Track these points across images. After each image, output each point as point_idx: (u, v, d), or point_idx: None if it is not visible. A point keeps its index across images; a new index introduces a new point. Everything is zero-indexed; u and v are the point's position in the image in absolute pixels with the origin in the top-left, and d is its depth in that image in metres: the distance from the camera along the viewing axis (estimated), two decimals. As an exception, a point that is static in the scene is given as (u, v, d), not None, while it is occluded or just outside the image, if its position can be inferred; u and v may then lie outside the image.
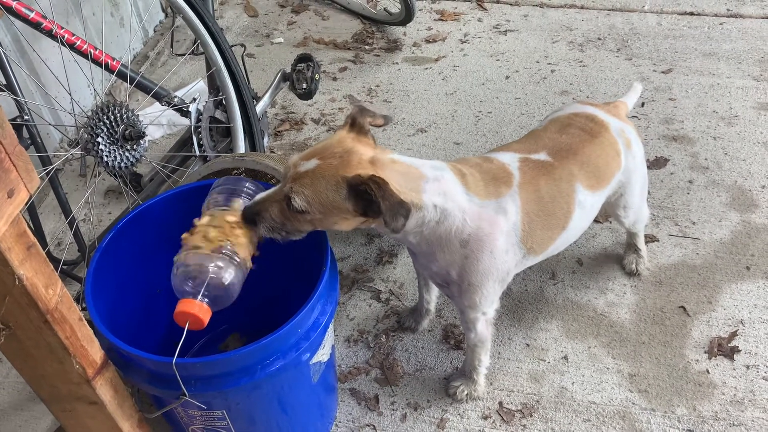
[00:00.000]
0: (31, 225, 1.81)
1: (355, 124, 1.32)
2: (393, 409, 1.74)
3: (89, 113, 1.73)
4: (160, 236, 1.54)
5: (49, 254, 1.84)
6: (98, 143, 1.71)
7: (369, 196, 1.20)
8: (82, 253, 1.86)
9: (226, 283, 1.29)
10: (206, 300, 1.26)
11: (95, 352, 1.20)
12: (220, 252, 1.30)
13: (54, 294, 1.06)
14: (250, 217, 1.30)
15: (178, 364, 1.20)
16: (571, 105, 1.72)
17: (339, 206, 1.25)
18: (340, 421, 1.72)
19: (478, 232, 1.37)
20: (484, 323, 1.58)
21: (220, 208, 1.38)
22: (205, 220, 1.33)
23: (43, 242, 1.85)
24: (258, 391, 1.34)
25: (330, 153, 1.26)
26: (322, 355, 1.43)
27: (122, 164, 1.78)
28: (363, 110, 1.35)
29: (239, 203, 1.39)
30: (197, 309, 1.24)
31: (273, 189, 1.31)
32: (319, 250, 1.43)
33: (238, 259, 1.32)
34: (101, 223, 2.28)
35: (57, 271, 1.79)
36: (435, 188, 1.32)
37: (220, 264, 1.29)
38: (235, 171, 1.65)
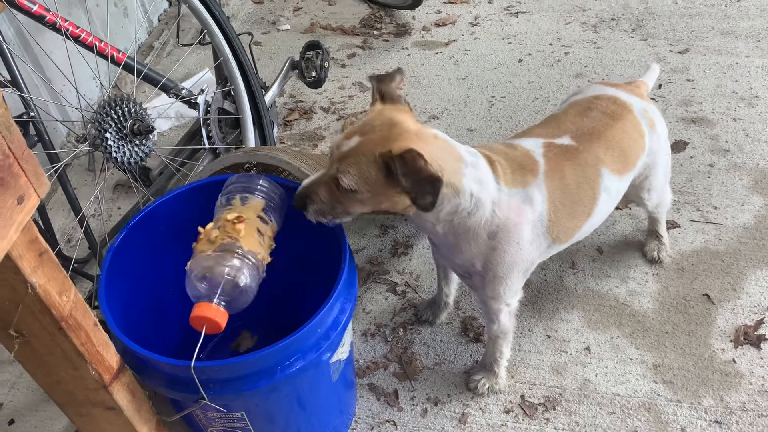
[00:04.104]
0: (41, 223, 1.77)
1: (385, 95, 1.27)
2: (413, 404, 1.71)
3: (96, 108, 1.68)
4: (172, 234, 1.50)
5: (59, 253, 1.80)
6: (106, 139, 1.67)
7: (394, 170, 1.15)
8: (93, 251, 1.82)
9: (241, 285, 1.25)
10: (222, 303, 1.23)
11: (111, 356, 1.17)
12: (231, 252, 1.26)
13: (68, 300, 1.03)
14: (300, 201, 1.27)
15: (197, 368, 1.17)
16: (590, 86, 1.67)
17: (384, 184, 1.20)
18: (359, 417, 1.69)
19: (506, 223, 1.33)
20: (507, 314, 1.54)
21: (228, 208, 1.35)
22: (209, 225, 1.31)
23: (54, 241, 1.81)
24: (278, 392, 1.31)
25: (370, 128, 1.22)
26: (342, 353, 1.40)
27: (131, 160, 1.74)
28: (382, 78, 1.31)
29: (251, 201, 1.36)
30: (213, 313, 1.20)
31: (319, 173, 1.27)
32: (334, 245, 1.39)
33: (252, 259, 1.28)
34: (111, 218, 2.24)
35: (68, 270, 1.77)
36: (473, 174, 1.27)
37: (236, 265, 1.26)
38: (247, 165, 1.61)
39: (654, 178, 1.67)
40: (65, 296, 1.02)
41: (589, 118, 1.53)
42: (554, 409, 1.68)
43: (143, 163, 1.82)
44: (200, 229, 1.33)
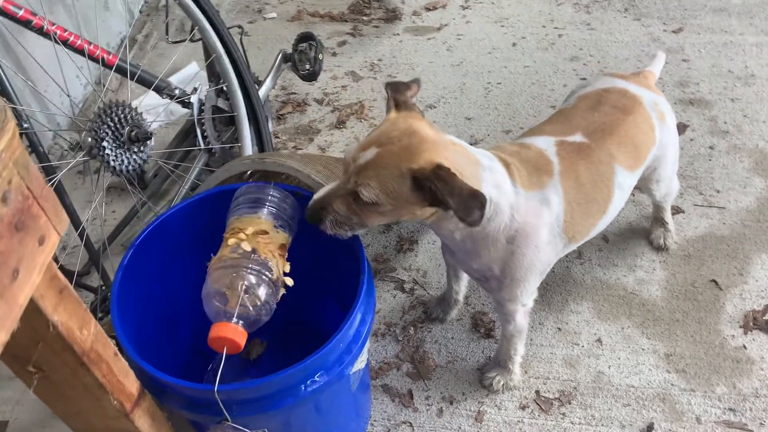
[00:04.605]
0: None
1: (399, 103, 1.25)
2: (428, 404, 1.70)
3: (92, 116, 1.62)
4: (180, 246, 1.46)
5: (62, 268, 1.75)
6: (104, 148, 1.62)
7: (434, 189, 1.12)
8: (94, 262, 1.77)
9: (260, 302, 1.22)
10: (241, 321, 1.19)
11: (131, 384, 1.13)
12: (247, 268, 1.23)
13: (89, 334, 0.99)
14: (315, 215, 1.24)
15: (220, 391, 1.14)
16: (598, 78, 1.64)
17: (407, 197, 1.17)
18: (375, 420, 1.68)
19: (525, 227, 1.31)
20: (523, 314, 1.53)
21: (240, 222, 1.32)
22: (222, 249, 1.28)
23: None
24: (300, 408, 1.29)
25: (387, 138, 1.18)
26: (361, 362, 1.38)
27: (130, 167, 1.68)
28: (396, 86, 1.28)
29: (263, 213, 1.32)
30: (232, 332, 1.17)
31: (332, 185, 1.23)
32: (347, 249, 1.36)
33: (269, 275, 1.25)
34: (105, 222, 2.19)
35: (72, 283, 1.72)
36: (491, 179, 1.25)
37: (253, 282, 1.23)
38: (249, 173, 1.56)
39: (663, 169, 1.66)
40: (86, 330, 0.99)
41: (600, 112, 1.50)
42: (569, 403, 1.68)
43: (141, 170, 1.77)
44: (213, 256, 1.30)
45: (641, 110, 1.53)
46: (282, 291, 1.31)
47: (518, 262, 1.35)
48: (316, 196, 1.25)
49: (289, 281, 1.33)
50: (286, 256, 1.35)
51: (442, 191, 1.11)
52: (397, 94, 1.25)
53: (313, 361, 1.18)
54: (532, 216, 1.32)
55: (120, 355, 1.10)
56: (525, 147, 1.41)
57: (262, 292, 1.23)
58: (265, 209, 1.32)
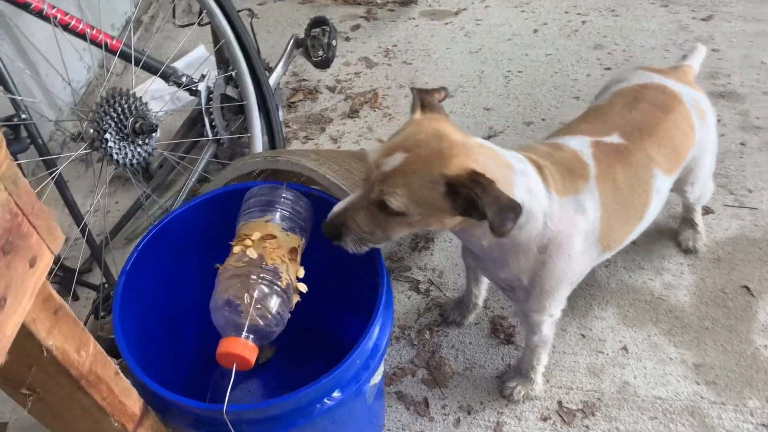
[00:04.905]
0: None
1: (426, 105, 1.16)
2: (445, 414, 1.62)
3: (94, 106, 1.53)
4: (186, 248, 1.38)
5: (63, 266, 1.67)
6: (106, 140, 1.53)
7: (472, 197, 1.03)
8: (97, 260, 1.69)
9: (271, 314, 1.14)
10: (251, 336, 1.11)
11: (133, 403, 1.05)
12: (258, 279, 1.15)
13: (87, 355, 0.91)
14: (334, 231, 1.14)
15: (229, 411, 1.06)
16: (635, 73, 1.54)
17: (438, 206, 1.08)
18: (389, 429, 1.61)
19: (558, 235, 1.22)
20: (549, 325, 1.45)
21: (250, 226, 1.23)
22: (230, 257, 1.19)
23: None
24: (314, 427, 1.21)
25: (414, 142, 1.08)
26: (378, 375, 1.30)
27: (134, 161, 1.59)
28: (425, 90, 1.19)
29: (275, 217, 1.24)
30: (242, 348, 1.09)
31: (352, 197, 1.14)
32: (368, 261, 1.27)
33: (282, 285, 1.17)
34: (108, 213, 2.10)
35: (72, 282, 1.64)
36: (523, 183, 1.15)
37: (265, 292, 1.14)
38: (254, 172, 1.47)
39: (700, 170, 1.57)
40: (84, 351, 0.90)
41: (637, 110, 1.40)
42: (593, 415, 1.60)
43: (146, 163, 1.68)
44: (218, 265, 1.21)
45: (681, 108, 1.43)
46: (296, 298, 1.23)
47: (549, 273, 1.26)
48: (335, 210, 1.14)
49: (303, 287, 1.25)
50: (299, 261, 1.27)
51: (481, 200, 1.01)
52: (426, 95, 1.16)
53: (328, 381, 1.10)
54: (567, 224, 1.22)
55: (121, 374, 1.02)
56: (558, 148, 1.31)
57: (274, 302, 1.15)
58: (277, 213, 1.24)
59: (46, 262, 0.76)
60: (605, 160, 1.30)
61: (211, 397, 1.52)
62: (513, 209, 1.03)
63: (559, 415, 1.60)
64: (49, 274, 1.58)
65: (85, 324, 1.66)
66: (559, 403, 1.62)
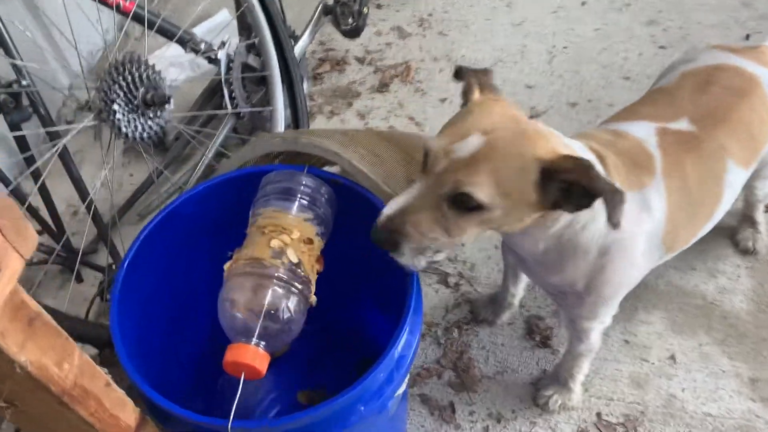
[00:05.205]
0: (35, 215, 1.53)
1: (485, 87, 1.01)
2: (472, 421, 1.50)
3: (101, 74, 1.40)
4: (195, 236, 1.25)
5: (66, 245, 1.56)
6: (114, 111, 1.40)
7: (581, 184, 0.88)
8: (103, 239, 1.58)
9: (285, 318, 1.01)
10: (263, 343, 0.98)
11: (129, 415, 0.94)
12: (272, 277, 1.01)
13: (71, 368, 0.79)
14: (390, 240, 0.95)
15: (235, 430, 0.94)
16: (705, 52, 1.36)
17: (526, 197, 0.92)
18: (411, 435, 1.49)
19: (622, 235, 1.07)
20: (599, 333, 1.31)
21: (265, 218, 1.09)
22: (244, 246, 1.05)
23: (61, 230, 1.57)
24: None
25: (489, 125, 0.92)
26: (403, 386, 1.17)
27: (144, 134, 1.46)
28: (476, 70, 1.05)
29: (293, 208, 1.10)
30: (251, 357, 0.96)
31: (408, 195, 0.95)
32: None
33: (299, 285, 1.03)
34: (122, 187, 1.99)
35: (76, 263, 1.53)
36: None
37: (279, 293, 1.01)
38: (276, 153, 1.33)
39: (775, 164, 1.39)
40: (66, 364, 0.78)
41: (709, 94, 1.23)
42: (635, 430, 1.46)
43: (157, 137, 1.55)
44: (231, 254, 1.09)
45: (759, 93, 1.26)
46: (312, 298, 1.10)
47: (608, 278, 1.11)
48: (387, 212, 0.95)
49: (313, 300, 1.11)
50: (320, 255, 1.14)
51: (594, 187, 0.87)
52: (482, 75, 1.02)
53: (346, 399, 0.97)
54: (631, 223, 1.07)
55: (113, 385, 0.90)
56: (620, 136, 1.15)
57: (290, 305, 1.02)
58: (315, 210, 1.10)
59: (14, 268, 0.64)
60: (673, 151, 1.15)
61: (220, 395, 1.40)
62: (621, 194, 0.88)
63: (598, 429, 1.47)
64: (50, 253, 1.47)
65: (90, 307, 1.56)
66: (598, 415, 1.48)
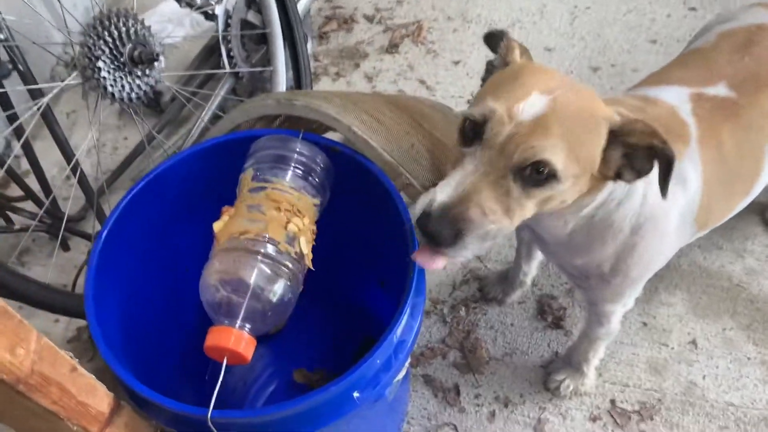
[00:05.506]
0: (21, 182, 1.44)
1: (523, 51, 0.92)
2: (478, 405, 1.42)
3: (85, 27, 1.30)
4: (181, 205, 1.16)
5: (53, 212, 1.47)
6: (99, 69, 1.30)
7: (635, 148, 0.82)
8: (91, 204, 1.49)
9: (274, 299, 0.92)
10: (248, 325, 0.90)
11: (100, 401, 0.86)
12: (260, 253, 0.92)
13: (27, 354, 0.71)
14: (448, 230, 0.79)
15: (214, 419, 0.86)
16: (747, 10, 1.23)
17: (592, 164, 0.82)
18: (412, 418, 1.41)
19: (655, 212, 0.97)
20: (620, 316, 1.22)
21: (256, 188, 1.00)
22: (233, 209, 0.96)
23: (47, 190, 1.49)
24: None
25: (545, 84, 0.80)
26: (403, 371, 1.08)
27: (132, 94, 1.37)
28: (507, 36, 0.94)
29: (286, 177, 1.01)
30: (235, 342, 0.88)
31: (465, 169, 0.80)
32: (394, 229, 1.04)
33: (289, 263, 0.94)
34: (116, 151, 1.90)
35: (61, 229, 1.45)
36: None
37: (266, 272, 0.92)
38: (274, 116, 1.23)
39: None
40: (21, 349, 0.70)
41: (751, 56, 1.12)
42: (651, 419, 1.37)
43: (147, 96, 1.45)
44: (224, 209, 1.00)
45: None
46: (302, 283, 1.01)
47: (638, 259, 1.02)
48: (443, 199, 0.79)
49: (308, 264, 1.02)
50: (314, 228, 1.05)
51: (665, 151, 0.81)
52: (518, 43, 0.92)
53: (339, 387, 0.88)
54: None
55: (80, 370, 0.82)
56: (651, 102, 1.04)
57: (280, 285, 0.93)
58: (289, 172, 1.00)
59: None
60: (709, 119, 1.04)
61: (210, 375, 1.32)
62: (675, 162, 0.82)
63: (611, 416, 1.38)
64: (34, 218, 1.38)
65: (77, 277, 1.48)
66: (612, 402, 1.40)
